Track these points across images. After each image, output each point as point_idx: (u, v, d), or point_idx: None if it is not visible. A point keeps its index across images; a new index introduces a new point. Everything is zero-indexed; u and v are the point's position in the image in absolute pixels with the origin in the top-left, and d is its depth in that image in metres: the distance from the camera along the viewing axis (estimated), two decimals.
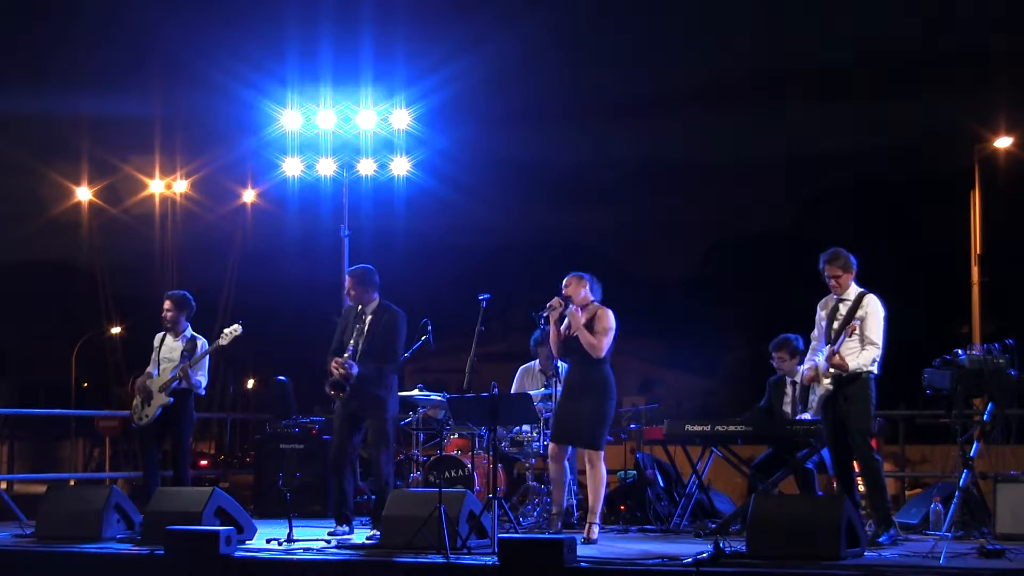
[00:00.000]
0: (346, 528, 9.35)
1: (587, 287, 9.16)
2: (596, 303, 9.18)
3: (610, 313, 9.13)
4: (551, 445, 9.25)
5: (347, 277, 9.78)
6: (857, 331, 8.50)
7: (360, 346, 9.44)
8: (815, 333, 8.87)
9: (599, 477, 9.03)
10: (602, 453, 9.08)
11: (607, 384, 9.07)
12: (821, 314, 8.80)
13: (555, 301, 9.14)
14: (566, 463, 9.33)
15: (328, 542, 8.86)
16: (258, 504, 12.22)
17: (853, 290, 8.65)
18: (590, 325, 9.07)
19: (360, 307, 9.58)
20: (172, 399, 10.13)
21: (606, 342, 9.04)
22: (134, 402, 10.37)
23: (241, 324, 10.28)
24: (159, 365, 10.31)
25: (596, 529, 8.98)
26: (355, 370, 9.30)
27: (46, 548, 8.87)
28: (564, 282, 9.21)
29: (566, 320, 9.18)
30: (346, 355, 9.37)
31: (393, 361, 9.55)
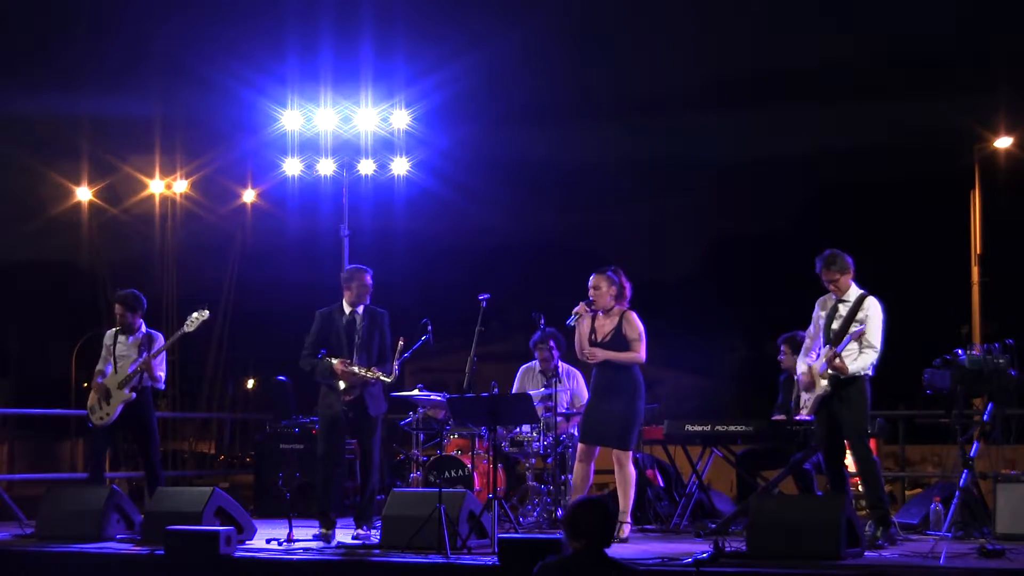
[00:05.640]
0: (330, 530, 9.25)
1: (615, 289, 9.15)
2: (620, 308, 9.17)
3: (635, 316, 9.14)
4: (580, 445, 9.25)
5: (364, 275, 9.59)
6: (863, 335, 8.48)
7: (356, 347, 9.38)
8: (811, 331, 8.86)
9: (628, 477, 9.06)
10: (631, 453, 9.10)
11: (637, 385, 9.10)
12: (819, 313, 8.79)
13: (581, 307, 9.12)
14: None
15: (331, 543, 8.87)
16: (258, 504, 12.23)
17: (853, 291, 8.64)
18: (620, 333, 9.06)
19: (350, 309, 9.51)
20: (135, 395, 10.00)
21: (643, 347, 9.08)
22: (90, 402, 10.21)
23: (208, 309, 10.16)
24: (115, 363, 10.16)
25: (627, 528, 9.02)
26: (390, 373, 9.21)
27: (46, 548, 8.88)
28: (591, 282, 9.17)
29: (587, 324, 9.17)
30: (354, 360, 9.30)
31: (389, 361, 9.53)
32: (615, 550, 8.37)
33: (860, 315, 8.52)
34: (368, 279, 9.53)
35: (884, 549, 8.06)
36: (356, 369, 9.20)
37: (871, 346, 8.49)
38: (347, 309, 9.48)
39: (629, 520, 9.09)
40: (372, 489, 9.37)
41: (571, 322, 9.20)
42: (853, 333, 8.46)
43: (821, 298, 8.82)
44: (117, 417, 10.02)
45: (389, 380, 9.23)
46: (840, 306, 8.63)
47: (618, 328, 9.07)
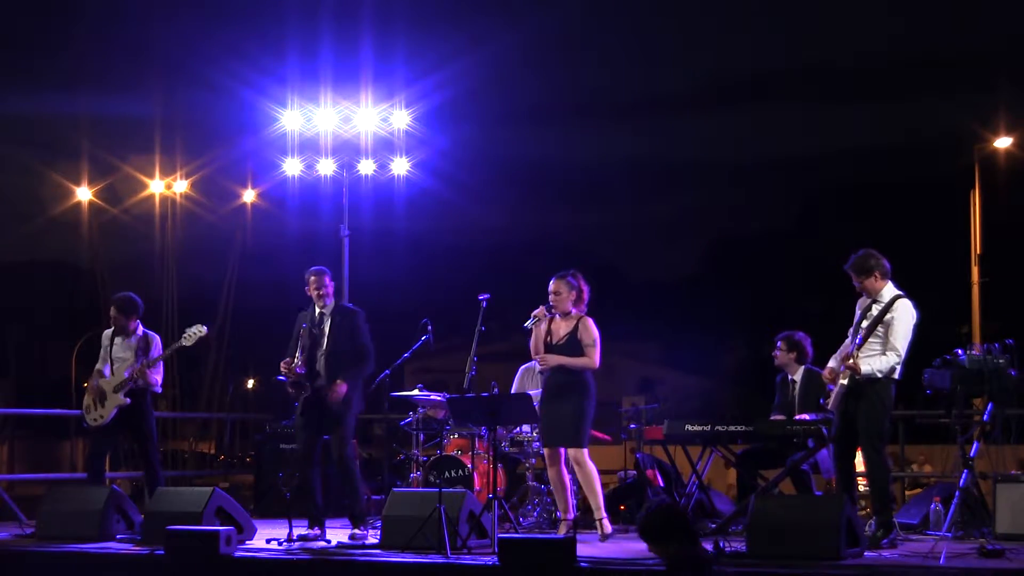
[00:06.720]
0: (317, 530, 9.17)
1: (575, 294, 9.13)
2: (577, 312, 9.14)
3: (591, 322, 9.13)
4: (545, 450, 9.27)
5: (322, 276, 9.42)
6: (880, 336, 8.46)
7: (325, 347, 9.30)
8: (851, 330, 8.86)
9: (589, 473, 9.05)
10: (586, 450, 9.08)
11: (586, 386, 9.09)
12: (857, 312, 8.78)
13: (540, 311, 9.14)
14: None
15: (329, 543, 8.87)
16: (258, 504, 12.23)
17: (888, 292, 8.61)
18: (575, 337, 9.05)
19: (319, 310, 9.47)
20: (129, 400, 9.92)
21: (597, 353, 9.07)
22: (85, 402, 10.14)
23: (206, 326, 10.12)
24: (112, 365, 10.09)
25: (607, 523, 9.01)
26: (321, 381, 9.23)
27: (46, 548, 8.88)
28: (552, 287, 9.17)
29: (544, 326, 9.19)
30: (297, 359, 9.27)
31: (365, 358, 9.38)
32: (604, 548, 8.40)
33: (887, 317, 8.50)
34: (324, 280, 9.40)
35: (884, 549, 8.05)
36: (289, 367, 9.26)
37: (893, 349, 8.44)
38: (316, 309, 9.46)
39: (606, 515, 9.07)
40: (350, 490, 9.28)
41: (529, 325, 9.21)
42: (860, 333, 8.44)
43: (862, 296, 8.81)
44: (112, 420, 9.96)
45: (291, 379, 9.26)
46: (874, 306, 8.62)
47: (573, 332, 9.08)
